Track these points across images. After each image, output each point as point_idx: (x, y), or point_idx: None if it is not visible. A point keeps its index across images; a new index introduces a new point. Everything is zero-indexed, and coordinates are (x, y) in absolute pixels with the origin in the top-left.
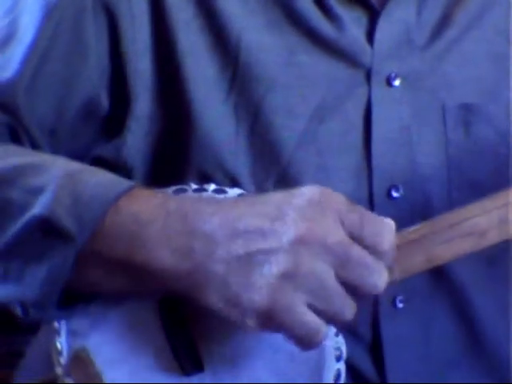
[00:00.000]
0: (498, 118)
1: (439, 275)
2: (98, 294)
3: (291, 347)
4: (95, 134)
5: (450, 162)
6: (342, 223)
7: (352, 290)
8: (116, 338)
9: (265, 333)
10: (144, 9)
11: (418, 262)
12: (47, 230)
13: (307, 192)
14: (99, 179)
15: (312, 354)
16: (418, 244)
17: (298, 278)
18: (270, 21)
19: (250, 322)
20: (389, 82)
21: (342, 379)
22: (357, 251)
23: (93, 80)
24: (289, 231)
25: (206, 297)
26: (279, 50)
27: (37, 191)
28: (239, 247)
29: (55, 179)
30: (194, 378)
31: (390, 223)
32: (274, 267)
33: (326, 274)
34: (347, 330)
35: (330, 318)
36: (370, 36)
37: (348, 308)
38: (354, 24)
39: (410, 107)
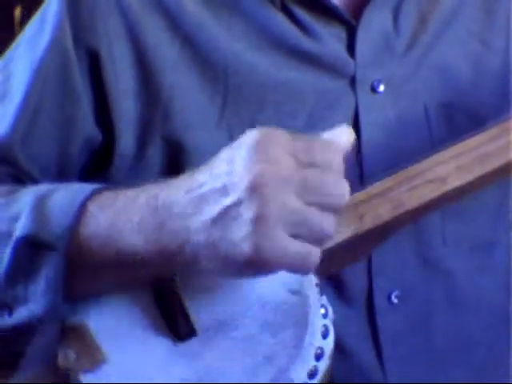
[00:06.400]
0: (479, 113)
1: (433, 269)
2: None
3: (276, 300)
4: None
5: None
6: (290, 153)
7: (323, 208)
8: (109, 311)
9: (251, 288)
10: (125, 52)
11: (386, 210)
12: (33, 248)
13: (248, 137)
14: (66, 191)
15: (296, 306)
16: (384, 195)
17: (270, 215)
18: (253, 45)
19: (247, 273)
20: (373, 88)
21: (331, 335)
22: (311, 173)
23: (89, 120)
24: (243, 179)
25: (201, 266)
26: (266, 71)
27: (15, 218)
28: (209, 211)
29: (28, 204)
30: (189, 343)
31: (336, 143)
32: (245, 216)
33: (293, 201)
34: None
35: (316, 239)
36: (351, 48)
37: (327, 223)
38: (333, 39)
39: (395, 110)
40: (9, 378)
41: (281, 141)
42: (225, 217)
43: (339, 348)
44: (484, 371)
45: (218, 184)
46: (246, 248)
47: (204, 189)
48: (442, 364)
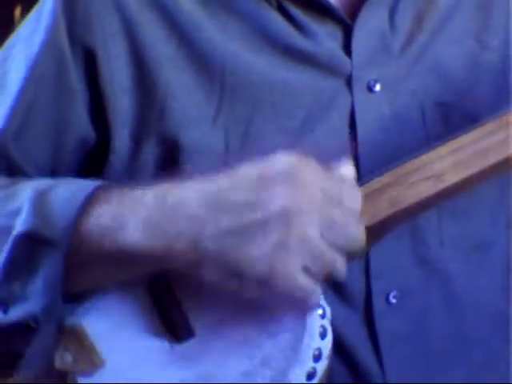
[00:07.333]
0: (475, 112)
1: (431, 269)
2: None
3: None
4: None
5: None
6: (321, 187)
7: (339, 249)
8: (107, 314)
9: None
10: (121, 50)
11: (383, 207)
12: (33, 244)
13: (284, 162)
14: (68, 186)
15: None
16: (382, 191)
17: (292, 244)
18: (249, 45)
19: (250, 292)
20: (370, 88)
21: (329, 336)
22: (337, 213)
23: (83, 119)
24: (275, 201)
25: (203, 273)
26: (262, 71)
27: (15, 213)
28: (229, 222)
29: (28, 199)
30: (186, 346)
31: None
32: (268, 237)
33: (316, 236)
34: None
35: (325, 277)
36: (347, 47)
37: (340, 264)
38: (329, 38)
39: (391, 110)
40: (9, 378)
41: (315, 175)
42: (245, 231)
43: (338, 349)
44: (483, 371)
45: (244, 196)
46: (260, 267)
47: (225, 196)
48: (440, 364)
